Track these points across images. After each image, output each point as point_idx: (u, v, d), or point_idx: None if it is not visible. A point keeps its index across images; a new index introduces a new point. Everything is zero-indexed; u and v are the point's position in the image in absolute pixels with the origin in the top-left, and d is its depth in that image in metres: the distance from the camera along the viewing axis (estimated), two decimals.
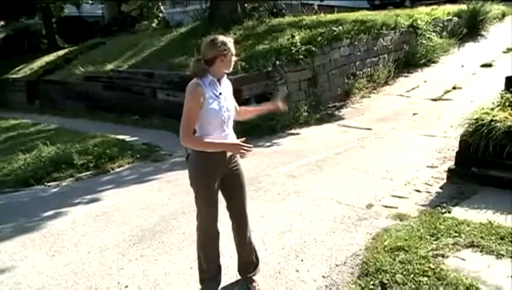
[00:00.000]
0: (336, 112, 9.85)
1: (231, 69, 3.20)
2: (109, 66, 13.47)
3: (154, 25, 21.48)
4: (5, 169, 7.47)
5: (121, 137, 9.09)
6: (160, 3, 22.26)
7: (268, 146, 7.98)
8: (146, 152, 8.12)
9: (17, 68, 20.21)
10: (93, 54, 16.87)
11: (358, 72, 10.93)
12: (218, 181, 3.19)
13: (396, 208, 4.79)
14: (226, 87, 3.23)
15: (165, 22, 22.24)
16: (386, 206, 4.86)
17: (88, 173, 7.30)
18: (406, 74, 11.66)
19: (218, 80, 3.14)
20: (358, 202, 5.03)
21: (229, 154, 3.17)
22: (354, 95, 10.53)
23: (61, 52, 19.67)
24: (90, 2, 24.75)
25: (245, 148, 3.06)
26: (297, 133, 8.74)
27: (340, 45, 10.69)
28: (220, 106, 3.09)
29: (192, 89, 3.04)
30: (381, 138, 7.85)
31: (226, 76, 3.26)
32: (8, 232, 5.19)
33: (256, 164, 6.82)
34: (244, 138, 3.15)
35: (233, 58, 3.18)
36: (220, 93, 3.12)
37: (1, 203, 6.30)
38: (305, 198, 5.32)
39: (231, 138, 3.19)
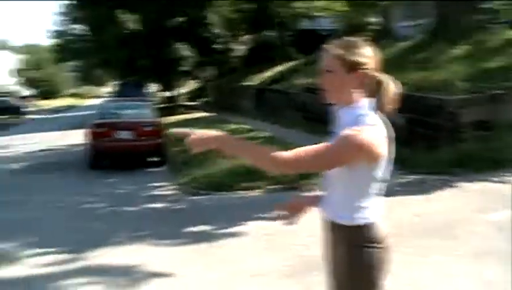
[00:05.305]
0: None
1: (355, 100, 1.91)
2: None
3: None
4: (203, 172, 7.98)
5: None
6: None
7: (482, 184, 6.65)
8: None
9: (251, 76, 22.00)
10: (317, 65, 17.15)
11: None
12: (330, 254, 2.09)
13: None
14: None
15: (393, 35, 21.44)
16: None
17: (277, 186, 7.21)
18: None
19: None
20: None
21: (330, 220, 2.00)
22: None
23: (289, 63, 20.62)
24: (324, 16, 25.43)
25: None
26: None
27: None
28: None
29: None
30: None
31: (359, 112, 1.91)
32: (185, 237, 5.42)
33: (459, 205, 5.76)
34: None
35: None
36: (332, 131, 2.03)
37: (190, 207, 6.72)
38: (503, 265, 4.05)
39: (329, 196, 2.01)
